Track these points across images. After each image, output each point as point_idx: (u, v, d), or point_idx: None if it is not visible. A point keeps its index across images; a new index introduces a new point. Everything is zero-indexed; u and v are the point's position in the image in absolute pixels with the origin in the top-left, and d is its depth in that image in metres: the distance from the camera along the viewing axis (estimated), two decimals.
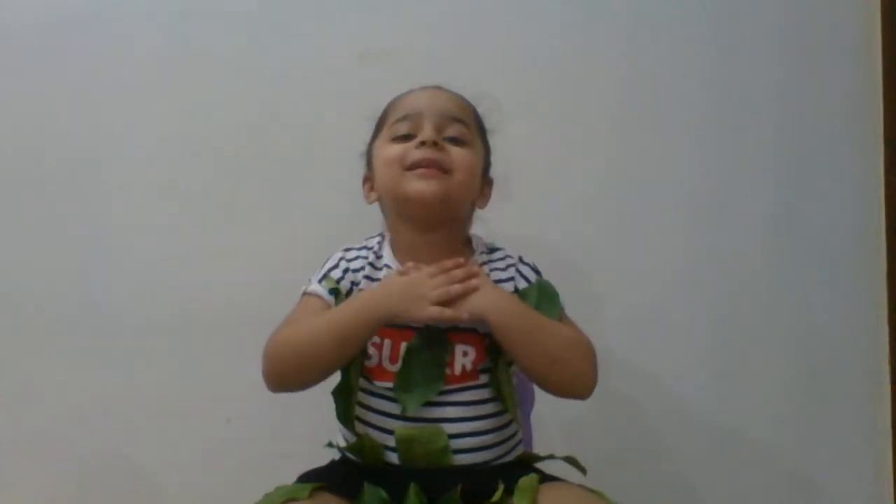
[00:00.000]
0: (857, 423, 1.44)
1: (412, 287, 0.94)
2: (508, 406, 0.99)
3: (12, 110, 1.43)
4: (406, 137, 1.00)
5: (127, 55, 1.43)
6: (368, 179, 1.08)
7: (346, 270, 1.03)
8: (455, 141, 1.01)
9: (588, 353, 0.98)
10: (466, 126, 1.03)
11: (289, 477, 0.98)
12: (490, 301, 0.94)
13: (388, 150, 1.01)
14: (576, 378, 0.97)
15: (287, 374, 0.97)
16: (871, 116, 1.45)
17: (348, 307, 0.96)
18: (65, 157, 1.43)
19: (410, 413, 0.95)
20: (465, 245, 1.08)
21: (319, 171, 1.41)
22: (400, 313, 0.93)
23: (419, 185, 0.97)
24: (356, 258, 1.04)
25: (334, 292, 1.01)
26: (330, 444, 1.04)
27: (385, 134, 1.04)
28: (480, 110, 1.09)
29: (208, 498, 1.39)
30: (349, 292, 1.01)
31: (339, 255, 1.05)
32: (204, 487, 1.39)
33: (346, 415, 1.00)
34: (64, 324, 1.41)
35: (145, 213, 1.43)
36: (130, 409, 1.41)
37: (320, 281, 1.02)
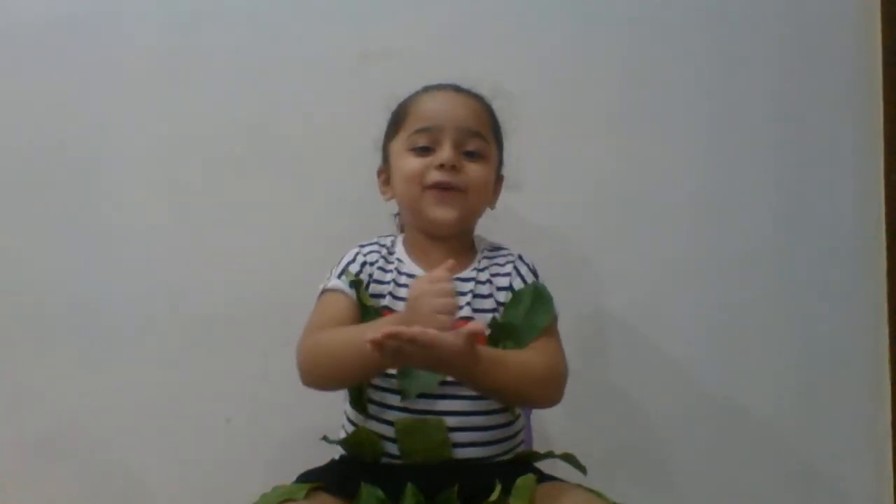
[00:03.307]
0: (858, 423, 1.44)
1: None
2: None
3: (12, 110, 1.43)
4: (424, 149, 1.03)
5: (127, 55, 1.43)
6: (383, 172, 1.12)
7: (363, 264, 1.06)
8: (472, 155, 1.04)
9: (554, 383, 0.99)
10: (484, 138, 1.05)
11: (288, 477, 0.98)
12: (456, 372, 0.92)
13: (408, 165, 1.04)
14: (540, 404, 1.06)
15: (319, 379, 0.99)
16: (871, 116, 1.45)
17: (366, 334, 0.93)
18: (64, 158, 1.42)
19: (411, 397, 0.97)
20: (471, 248, 1.11)
21: (319, 171, 1.41)
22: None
23: (438, 212, 1.03)
24: (370, 252, 1.07)
25: (355, 284, 1.03)
26: (325, 439, 1.05)
27: (403, 140, 1.06)
28: (496, 105, 1.11)
29: (208, 498, 1.39)
30: (368, 285, 1.04)
31: (355, 250, 1.08)
32: (204, 487, 1.39)
33: (358, 399, 1.01)
34: (63, 324, 1.41)
35: (145, 212, 1.42)
36: (130, 409, 1.40)
37: (339, 276, 1.04)
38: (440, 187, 1.02)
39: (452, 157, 1.02)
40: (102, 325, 1.41)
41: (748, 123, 1.44)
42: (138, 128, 1.43)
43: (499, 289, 1.05)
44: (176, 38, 1.43)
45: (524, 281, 1.06)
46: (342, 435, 1.05)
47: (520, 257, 1.09)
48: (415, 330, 0.82)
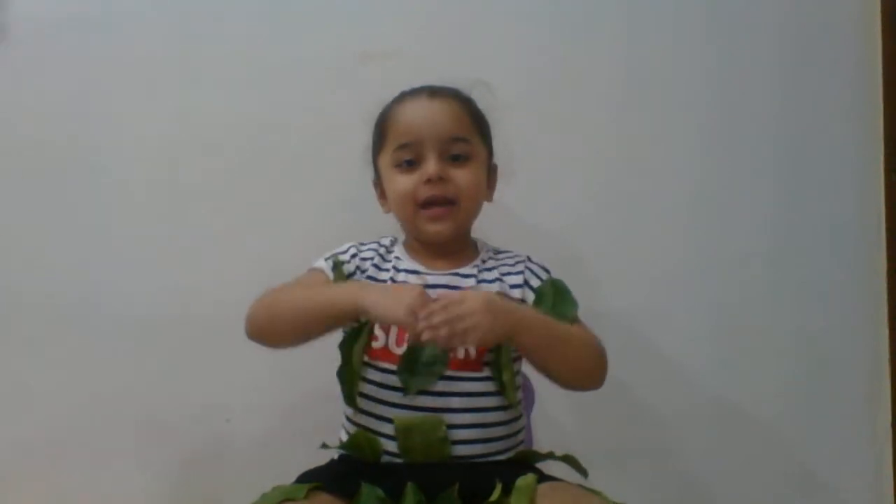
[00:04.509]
0: (858, 423, 1.44)
1: (397, 290, 0.96)
2: (509, 394, 1.00)
3: (13, 110, 1.43)
4: (410, 163, 1.04)
5: (127, 56, 1.43)
6: (378, 185, 1.13)
7: (354, 255, 1.08)
8: (457, 159, 1.04)
9: (598, 353, 1.00)
10: (467, 140, 1.06)
11: (288, 477, 0.98)
12: (511, 323, 0.92)
13: (398, 185, 1.05)
14: (586, 377, 1.01)
15: (265, 327, 1.02)
16: (871, 116, 1.45)
17: (338, 288, 1.01)
18: (66, 156, 1.43)
19: (412, 393, 0.97)
20: (471, 247, 1.11)
21: (319, 170, 1.41)
22: (377, 307, 0.91)
23: (433, 228, 1.04)
24: (367, 249, 1.09)
25: (336, 266, 1.05)
26: (324, 446, 1.05)
27: (388, 156, 1.07)
28: (475, 95, 1.10)
29: (208, 498, 1.39)
30: (351, 275, 1.06)
31: (351, 244, 1.10)
32: (204, 487, 1.39)
33: (350, 395, 1.02)
34: (63, 323, 1.41)
35: (146, 212, 1.42)
36: (130, 409, 1.40)
37: (326, 259, 1.07)
38: (432, 204, 1.03)
39: (437, 170, 1.02)
40: (102, 326, 1.41)
41: (748, 123, 1.44)
42: (138, 127, 1.43)
43: (511, 287, 1.05)
44: (176, 38, 1.43)
45: (539, 278, 1.07)
46: (342, 434, 1.05)
47: (528, 258, 1.10)
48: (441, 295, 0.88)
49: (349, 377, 1.02)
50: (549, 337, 0.96)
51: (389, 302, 0.90)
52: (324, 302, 0.98)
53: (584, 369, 1.00)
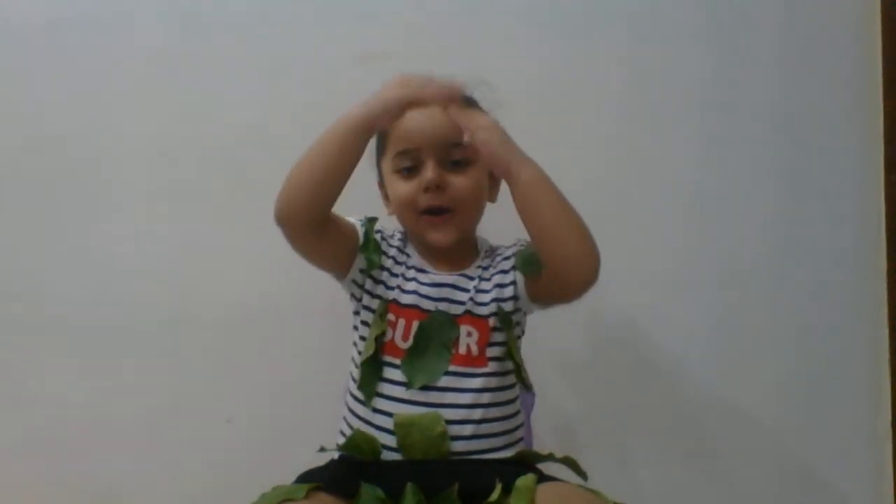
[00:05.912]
0: (858, 423, 1.44)
1: (381, 88, 0.99)
2: (523, 375, 1.03)
3: (12, 110, 1.43)
4: (409, 170, 1.04)
5: (127, 56, 1.43)
6: (383, 187, 1.13)
7: (378, 231, 1.08)
8: (457, 164, 1.04)
9: (590, 236, 1.01)
10: (466, 146, 1.04)
11: (288, 477, 0.98)
12: (513, 150, 0.98)
13: (399, 190, 1.05)
14: (580, 252, 1.00)
15: (285, 196, 1.00)
16: (871, 116, 1.45)
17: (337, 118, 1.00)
18: (64, 158, 1.43)
19: (416, 387, 0.98)
20: (475, 248, 1.12)
21: None
22: (373, 103, 0.97)
23: (435, 236, 1.05)
24: (393, 238, 1.09)
25: (368, 222, 1.06)
26: (322, 449, 1.04)
27: (389, 161, 1.07)
28: (477, 95, 1.10)
29: (208, 498, 1.39)
30: (378, 241, 1.06)
31: (382, 227, 1.10)
32: (204, 487, 1.39)
33: (369, 386, 1.01)
34: (63, 324, 1.41)
35: (145, 213, 1.43)
36: (130, 409, 1.41)
37: (358, 219, 1.07)
38: (432, 212, 1.03)
39: (436, 178, 1.02)
40: (102, 326, 1.41)
41: (748, 123, 1.45)
42: (137, 128, 1.43)
43: (504, 286, 1.05)
44: (176, 38, 1.43)
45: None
46: (344, 431, 1.05)
47: (518, 241, 1.10)
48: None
49: (374, 369, 1.01)
50: (547, 189, 0.97)
51: (380, 93, 0.97)
52: (332, 131, 0.99)
53: (578, 239, 0.99)
